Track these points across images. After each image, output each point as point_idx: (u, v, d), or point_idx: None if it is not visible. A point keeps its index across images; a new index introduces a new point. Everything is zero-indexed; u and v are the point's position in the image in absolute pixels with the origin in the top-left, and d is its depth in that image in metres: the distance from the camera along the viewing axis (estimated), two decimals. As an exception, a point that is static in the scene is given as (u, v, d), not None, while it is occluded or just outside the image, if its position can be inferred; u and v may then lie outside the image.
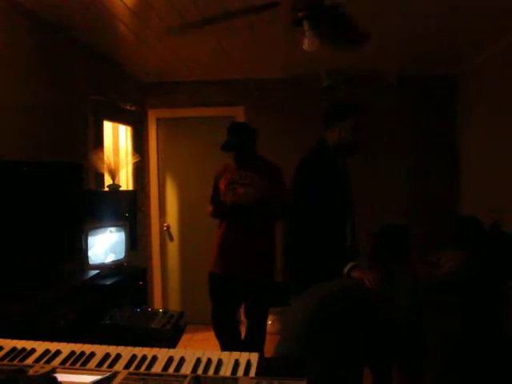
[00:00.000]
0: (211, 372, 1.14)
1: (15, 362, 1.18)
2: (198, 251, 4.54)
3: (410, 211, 4.35)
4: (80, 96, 3.36)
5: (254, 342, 3.03)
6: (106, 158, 3.46)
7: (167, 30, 2.61)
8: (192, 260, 4.71)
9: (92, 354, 1.23)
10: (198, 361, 1.19)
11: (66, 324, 2.24)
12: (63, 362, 1.19)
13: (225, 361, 1.18)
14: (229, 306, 3.13)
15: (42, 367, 1.12)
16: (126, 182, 4.31)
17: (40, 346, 1.27)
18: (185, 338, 3.43)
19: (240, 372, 1.13)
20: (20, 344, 1.28)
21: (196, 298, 4.38)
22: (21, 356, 1.21)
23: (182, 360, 1.19)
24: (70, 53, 3.21)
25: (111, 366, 1.17)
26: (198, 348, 3.91)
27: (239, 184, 3.04)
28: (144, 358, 1.21)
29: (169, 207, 4.86)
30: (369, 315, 1.89)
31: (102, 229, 3.15)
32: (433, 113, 4.53)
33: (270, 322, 3.69)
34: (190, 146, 4.76)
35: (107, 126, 4.00)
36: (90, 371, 1.13)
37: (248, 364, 1.16)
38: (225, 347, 3.02)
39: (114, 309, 2.37)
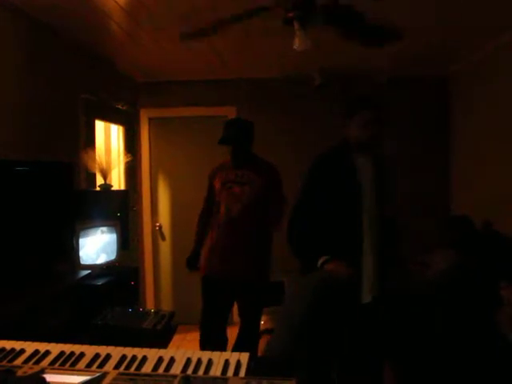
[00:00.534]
0: (201, 372, 1.14)
1: (4, 362, 1.17)
2: (191, 251, 4.52)
3: (402, 210, 4.36)
4: (71, 95, 3.34)
5: (247, 342, 3.01)
6: (97, 157, 3.46)
7: (180, 37, 2.60)
8: (184, 260, 4.68)
9: (82, 355, 1.22)
10: (188, 361, 1.19)
11: (57, 324, 2.23)
12: (52, 363, 1.18)
13: (215, 361, 1.19)
14: (221, 312, 3.07)
15: (31, 368, 1.11)
16: (117, 181, 4.29)
17: (29, 347, 1.26)
18: (177, 338, 3.43)
19: (230, 372, 1.13)
20: (9, 344, 1.27)
21: (188, 298, 4.36)
22: (10, 357, 1.20)
23: (172, 360, 1.19)
24: (61, 52, 3.19)
25: (101, 366, 1.17)
26: (191, 348, 3.90)
27: (235, 183, 2.95)
28: (134, 358, 1.21)
29: (161, 207, 4.85)
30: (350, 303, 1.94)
31: (94, 229, 3.13)
32: (423, 112, 4.55)
33: (262, 322, 3.69)
34: (182, 145, 4.75)
35: (99, 125, 3.98)
36: (80, 372, 1.13)
37: (238, 364, 1.16)
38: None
39: (105, 309, 2.37)
